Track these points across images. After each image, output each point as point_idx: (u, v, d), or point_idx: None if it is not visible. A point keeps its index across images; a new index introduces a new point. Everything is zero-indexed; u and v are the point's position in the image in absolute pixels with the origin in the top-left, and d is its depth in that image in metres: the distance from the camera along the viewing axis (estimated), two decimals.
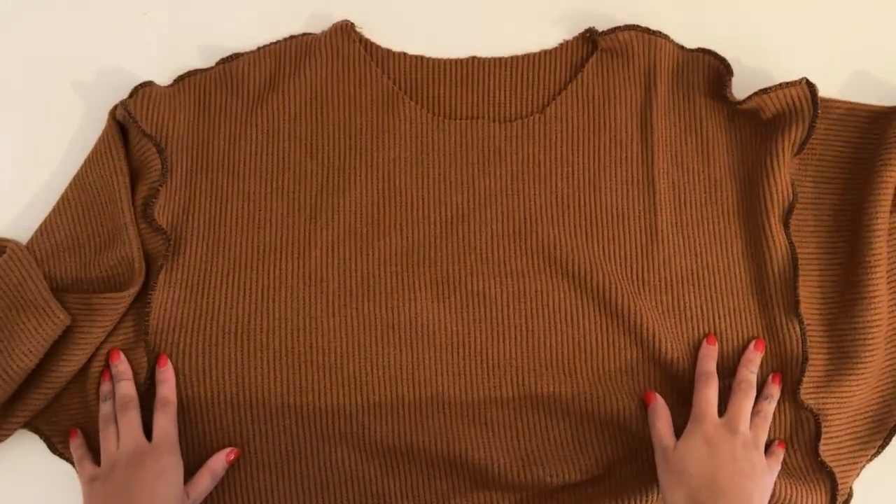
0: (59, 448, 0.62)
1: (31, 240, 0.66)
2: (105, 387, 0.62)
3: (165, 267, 0.64)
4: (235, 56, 0.69)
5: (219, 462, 0.60)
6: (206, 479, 0.59)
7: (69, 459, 0.62)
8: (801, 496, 0.60)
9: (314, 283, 0.64)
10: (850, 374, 0.62)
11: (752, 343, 0.63)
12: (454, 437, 0.61)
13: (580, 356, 0.63)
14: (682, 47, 0.69)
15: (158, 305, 0.63)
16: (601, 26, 0.69)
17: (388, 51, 0.69)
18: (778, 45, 0.70)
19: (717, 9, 0.72)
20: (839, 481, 0.61)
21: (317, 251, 0.65)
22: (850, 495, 0.62)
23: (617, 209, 0.65)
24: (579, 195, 0.66)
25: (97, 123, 0.68)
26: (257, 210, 0.65)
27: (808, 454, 0.61)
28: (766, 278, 0.63)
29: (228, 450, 0.60)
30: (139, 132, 0.65)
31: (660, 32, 0.68)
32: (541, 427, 0.62)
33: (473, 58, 0.69)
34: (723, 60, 0.67)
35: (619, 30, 0.68)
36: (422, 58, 0.69)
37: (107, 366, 0.62)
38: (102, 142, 0.66)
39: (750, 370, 0.62)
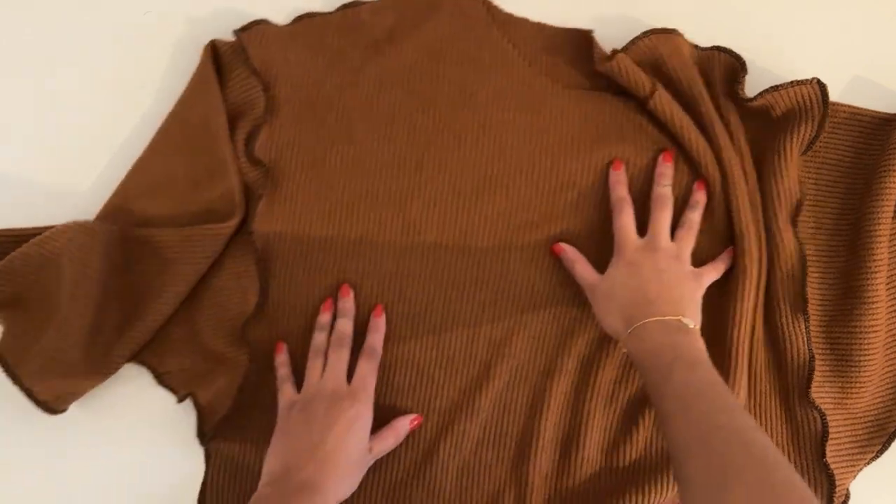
0: (164, 379, 0.63)
1: (126, 178, 0.66)
2: (324, 317, 0.63)
3: (266, 199, 0.64)
4: (356, 3, 0.69)
5: (403, 425, 0.61)
6: (390, 438, 0.60)
7: (174, 390, 0.63)
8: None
9: (411, 234, 0.64)
10: (849, 378, 0.62)
11: (661, 156, 0.64)
12: (520, 398, 0.62)
13: None
14: (695, 45, 0.67)
15: (261, 235, 0.63)
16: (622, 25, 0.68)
17: (510, 15, 0.69)
18: (782, 48, 0.68)
19: (724, 10, 0.70)
20: (836, 483, 0.61)
21: (418, 203, 0.65)
22: (847, 497, 0.62)
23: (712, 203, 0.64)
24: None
25: (191, 62, 0.68)
26: (362, 155, 0.65)
27: (811, 454, 0.61)
28: (772, 276, 0.62)
29: (414, 416, 0.62)
30: (247, 68, 0.65)
31: (675, 30, 0.66)
32: (589, 394, 0.62)
33: (591, 31, 0.67)
34: (738, 58, 0.65)
35: (639, 39, 0.66)
36: (543, 25, 0.68)
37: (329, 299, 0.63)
38: (198, 77, 0.67)
39: (663, 184, 0.63)
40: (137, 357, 0.64)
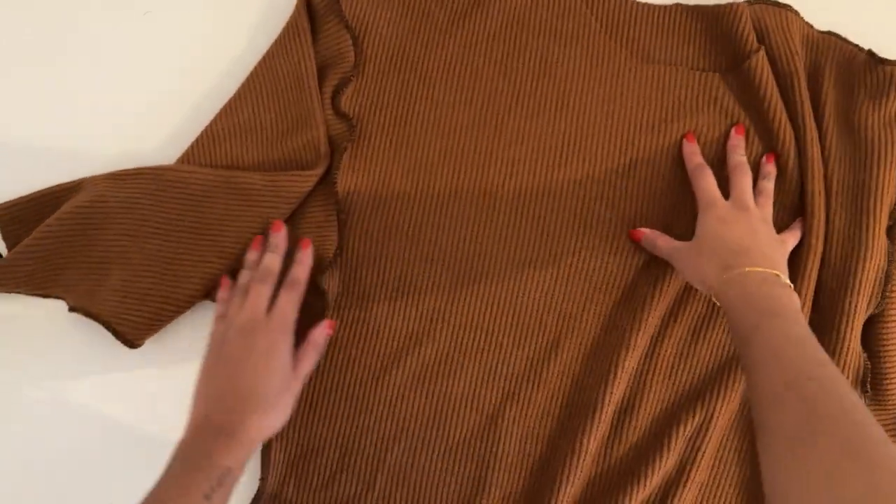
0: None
1: (213, 121, 0.67)
2: (252, 255, 0.62)
3: (349, 151, 0.64)
4: None
5: (321, 335, 0.60)
6: (311, 353, 0.59)
7: None
8: None
9: (488, 198, 0.65)
10: (880, 370, 0.62)
11: (733, 129, 0.65)
12: (586, 372, 0.63)
13: (713, 315, 0.63)
14: (811, 25, 0.67)
15: (342, 187, 0.64)
16: None
17: None
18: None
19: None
20: None
21: (496, 167, 0.65)
22: None
23: (798, 179, 0.64)
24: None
25: (285, 10, 0.69)
26: (443, 117, 0.66)
27: None
28: (857, 268, 0.61)
29: (326, 322, 0.61)
30: (340, 21, 0.66)
31: (788, 6, 0.67)
32: (650, 368, 0.63)
33: (677, 4, 0.69)
34: (857, 46, 0.66)
35: (748, 4, 0.67)
36: (625, 0, 0.69)
37: (261, 234, 0.63)
38: (291, 27, 0.67)
39: (739, 154, 0.63)
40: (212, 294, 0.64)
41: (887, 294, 0.62)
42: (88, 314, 0.62)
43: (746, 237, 0.57)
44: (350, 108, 0.65)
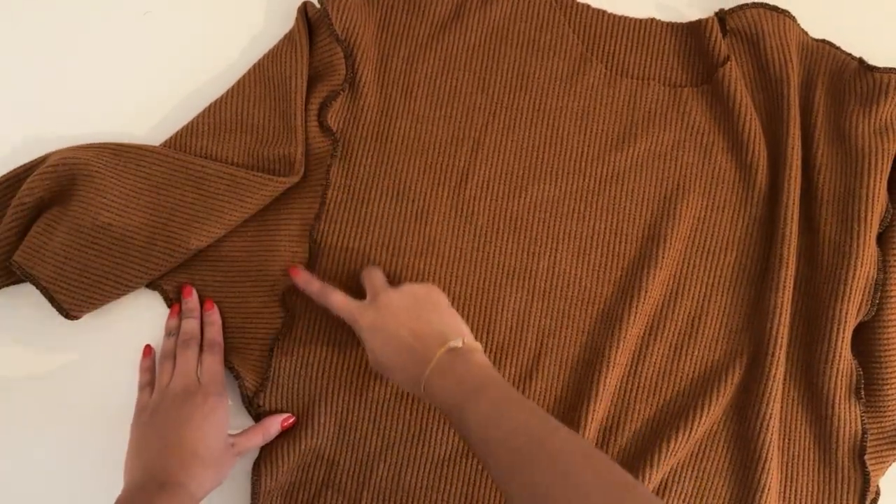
0: (172, 300, 0.64)
1: (197, 116, 0.67)
2: (171, 322, 0.63)
3: (333, 169, 0.65)
4: None
5: (273, 425, 0.60)
6: (257, 436, 0.60)
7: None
8: (830, 492, 0.62)
9: (465, 215, 0.65)
10: (875, 374, 0.63)
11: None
12: (568, 390, 0.63)
13: (693, 333, 0.64)
14: (805, 32, 0.68)
15: (326, 204, 0.64)
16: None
17: (574, 0, 0.70)
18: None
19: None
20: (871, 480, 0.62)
21: (472, 184, 0.66)
22: (878, 494, 0.63)
23: (769, 188, 0.66)
24: (736, 171, 0.66)
25: (284, 11, 0.69)
26: (423, 133, 0.66)
27: (847, 452, 0.63)
28: (848, 276, 0.62)
29: (285, 415, 0.61)
30: (330, 34, 0.66)
31: (787, 12, 0.67)
32: (632, 385, 0.63)
33: (653, 19, 0.69)
34: (851, 56, 0.66)
35: (747, 7, 0.67)
36: (603, 12, 0.69)
37: (176, 301, 0.63)
38: (289, 39, 0.67)
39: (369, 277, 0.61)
40: (154, 283, 0.64)
41: (886, 299, 0.63)
42: (27, 275, 0.60)
43: (402, 331, 0.55)
44: (335, 122, 0.66)
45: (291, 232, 0.64)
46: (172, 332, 0.62)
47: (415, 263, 0.64)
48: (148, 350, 0.63)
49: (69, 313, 0.61)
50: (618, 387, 0.63)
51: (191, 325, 0.62)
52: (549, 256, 0.65)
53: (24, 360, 0.64)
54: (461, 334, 0.55)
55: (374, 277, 0.60)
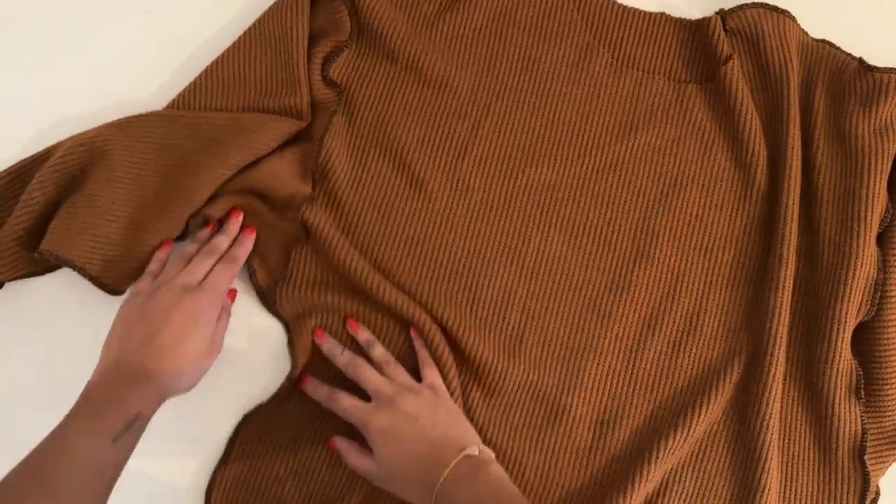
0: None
1: (201, 73, 0.67)
2: (202, 234, 0.62)
3: (336, 117, 0.65)
4: None
5: (226, 301, 0.60)
6: (223, 316, 0.59)
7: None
8: (830, 492, 0.62)
9: (460, 189, 0.65)
10: (875, 373, 0.63)
11: (315, 332, 0.62)
12: (547, 372, 0.62)
13: (692, 330, 0.64)
14: (805, 32, 0.69)
15: (326, 151, 0.64)
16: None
17: None
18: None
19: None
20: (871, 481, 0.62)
21: (469, 160, 0.66)
22: (878, 494, 0.62)
23: (769, 187, 0.66)
24: (735, 170, 0.66)
25: None
26: (425, 104, 0.67)
27: (847, 452, 0.62)
28: (848, 275, 0.62)
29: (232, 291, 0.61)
30: None
31: (787, 12, 0.68)
32: (628, 380, 0.63)
33: (663, 14, 0.70)
34: (851, 55, 0.67)
35: (747, 7, 0.68)
36: (613, 2, 0.70)
37: (209, 222, 0.62)
38: None
39: (337, 354, 0.61)
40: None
41: (886, 299, 0.63)
42: (61, 260, 0.59)
43: (417, 435, 0.53)
44: (339, 77, 0.67)
45: (295, 170, 0.64)
46: (199, 241, 0.61)
47: (404, 229, 0.64)
48: (167, 245, 0.61)
49: (112, 289, 0.61)
50: (612, 380, 0.63)
51: (221, 240, 0.61)
52: (540, 239, 0.65)
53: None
54: (475, 442, 0.54)
55: (377, 380, 0.58)
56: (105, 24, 0.71)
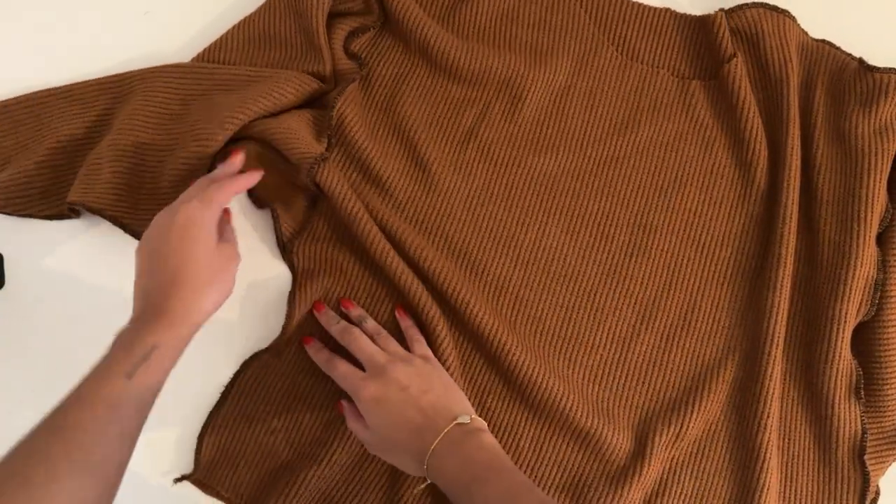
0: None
1: (229, 30, 0.69)
2: (215, 168, 0.60)
3: (353, 85, 0.66)
4: None
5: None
6: (228, 233, 0.58)
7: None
8: (830, 492, 0.61)
9: (462, 174, 0.66)
10: (874, 374, 0.62)
11: (314, 305, 0.62)
12: (540, 362, 0.62)
13: (685, 325, 0.63)
14: (805, 32, 0.69)
15: (339, 115, 0.65)
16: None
17: None
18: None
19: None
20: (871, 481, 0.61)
21: (473, 146, 0.67)
22: (877, 494, 0.62)
23: (769, 187, 0.66)
24: (735, 168, 0.67)
25: None
26: (434, 91, 0.68)
27: (847, 452, 0.62)
28: (848, 275, 0.62)
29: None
30: None
31: (787, 12, 0.68)
32: (620, 372, 0.63)
33: (667, 9, 0.70)
34: (851, 55, 0.67)
35: (747, 7, 0.69)
36: None
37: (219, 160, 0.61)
38: None
39: (333, 324, 0.61)
40: None
41: (886, 299, 0.63)
42: (91, 209, 0.61)
43: (408, 404, 0.53)
44: (360, 52, 0.68)
45: (310, 130, 0.65)
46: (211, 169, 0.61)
47: (405, 206, 0.65)
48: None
49: (140, 234, 0.59)
50: (604, 372, 0.62)
51: (219, 171, 0.59)
52: (538, 229, 0.65)
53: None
54: (468, 411, 0.54)
55: (370, 349, 0.58)
56: (105, 25, 0.71)
